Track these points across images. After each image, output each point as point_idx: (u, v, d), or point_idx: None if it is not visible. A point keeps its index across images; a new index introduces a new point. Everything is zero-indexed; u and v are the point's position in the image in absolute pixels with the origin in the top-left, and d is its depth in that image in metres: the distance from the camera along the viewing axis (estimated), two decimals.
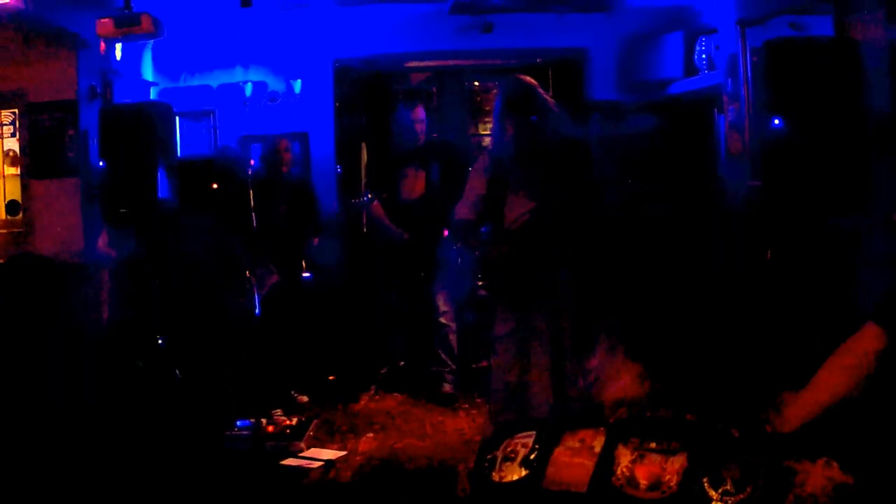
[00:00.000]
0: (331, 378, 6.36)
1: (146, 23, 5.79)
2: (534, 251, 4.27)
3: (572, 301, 4.27)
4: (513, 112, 4.29)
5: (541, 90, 4.40)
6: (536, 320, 4.31)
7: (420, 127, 6.25)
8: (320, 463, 4.79)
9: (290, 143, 6.54)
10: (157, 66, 7.42)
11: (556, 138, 4.31)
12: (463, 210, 4.47)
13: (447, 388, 6.08)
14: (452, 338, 6.15)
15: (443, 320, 6.14)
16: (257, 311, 5.61)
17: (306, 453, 4.95)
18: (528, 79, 4.41)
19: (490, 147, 4.62)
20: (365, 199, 6.31)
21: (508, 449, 2.32)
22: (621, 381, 2.72)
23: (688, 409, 2.31)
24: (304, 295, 6.22)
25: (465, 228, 4.53)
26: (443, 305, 6.14)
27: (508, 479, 2.29)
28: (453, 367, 6.13)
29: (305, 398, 6.06)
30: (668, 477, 2.18)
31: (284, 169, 6.37)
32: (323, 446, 5.11)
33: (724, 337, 3.73)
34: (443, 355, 6.13)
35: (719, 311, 4.10)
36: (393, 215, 6.22)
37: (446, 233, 6.07)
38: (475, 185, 4.45)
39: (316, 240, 6.38)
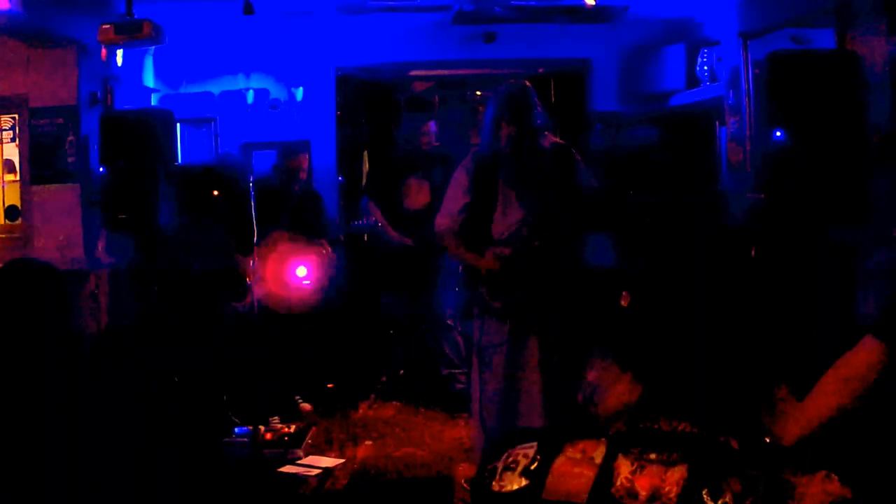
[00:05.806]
0: (329, 386, 6.35)
1: (147, 29, 5.78)
2: (528, 262, 4.29)
3: (566, 314, 4.29)
4: (515, 114, 4.29)
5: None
6: (528, 333, 4.33)
7: (427, 139, 6.27)
8: (318, 471, 4.78)
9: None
10: (159, 72, 7.42)
11: (548, 144, 4.40)
12: (444, 221, 4.47)
13: (460, 386, 6.04)
14: (460, 340, 6.15)
15: (451, 322, 6.14)
16: (256, 316, 5.60)
17: (304, 461, 4.94)
18: (528, 84, 4.46)
19: (478, 149, 4.55)
20: (367, 222, 6.34)
21: (510, 459, 2.31)
22: (617, 391, 2.72)
23: (688, 420, 2.30)
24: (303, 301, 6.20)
25: (448, 237, 4.50)
26: (451, 307, 6.13)
27: (508, 488, 2.27)
28: (464, 368, 6.11)
29: (305, 406, 6.04)
30: (667, 488, 2.17)
31: (303, 176, 6.37)
32: (321, 454, 5.10)
33: (724, 347, 3.73)
34: (451, 356, 6.12)
35: (718, 322, 4.09)
36: (396, 224, 6.22)
37: None
38: (458, 194, 4.44)
39: (325, 244, 6.36)
